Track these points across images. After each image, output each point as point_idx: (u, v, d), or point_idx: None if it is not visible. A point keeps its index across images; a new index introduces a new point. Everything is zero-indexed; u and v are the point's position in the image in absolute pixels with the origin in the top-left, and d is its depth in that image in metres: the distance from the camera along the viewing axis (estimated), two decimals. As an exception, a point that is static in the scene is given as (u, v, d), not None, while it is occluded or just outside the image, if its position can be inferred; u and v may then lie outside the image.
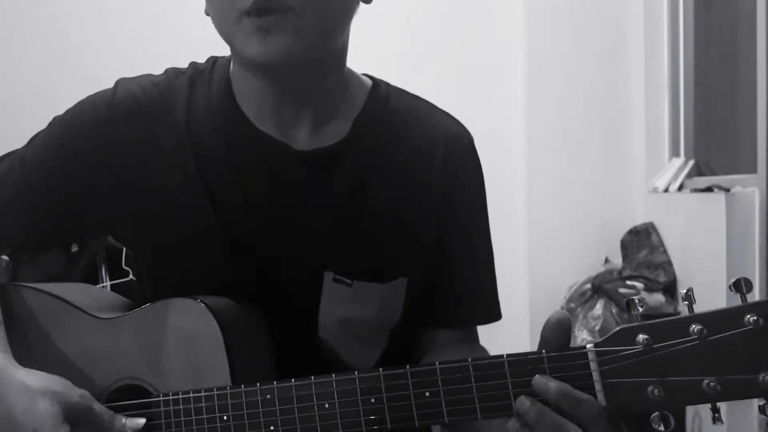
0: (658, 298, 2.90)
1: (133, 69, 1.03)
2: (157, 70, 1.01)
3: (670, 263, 3.01)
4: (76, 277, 1.64)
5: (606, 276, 3.02)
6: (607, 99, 3.32)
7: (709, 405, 0.73)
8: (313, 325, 0.97)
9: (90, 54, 3.22)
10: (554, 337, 0.77)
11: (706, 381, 0.71)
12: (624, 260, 3.16)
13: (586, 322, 2.88)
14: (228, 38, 0.87)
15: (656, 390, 0.72)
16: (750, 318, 0.70)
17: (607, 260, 3.23)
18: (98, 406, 0.85)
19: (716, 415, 0.72)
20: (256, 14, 0.82)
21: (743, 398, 0.70)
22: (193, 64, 1.00)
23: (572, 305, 3.02)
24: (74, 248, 1.65)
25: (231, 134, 0.95)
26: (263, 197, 0.94)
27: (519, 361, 0.77)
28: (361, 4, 0.92)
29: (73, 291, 1.01)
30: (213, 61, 1.00)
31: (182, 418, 0.86)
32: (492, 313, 1.04)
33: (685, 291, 0.74)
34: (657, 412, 0.73)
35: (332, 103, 0.95)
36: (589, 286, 3.01)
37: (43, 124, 1.00)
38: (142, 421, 0.86)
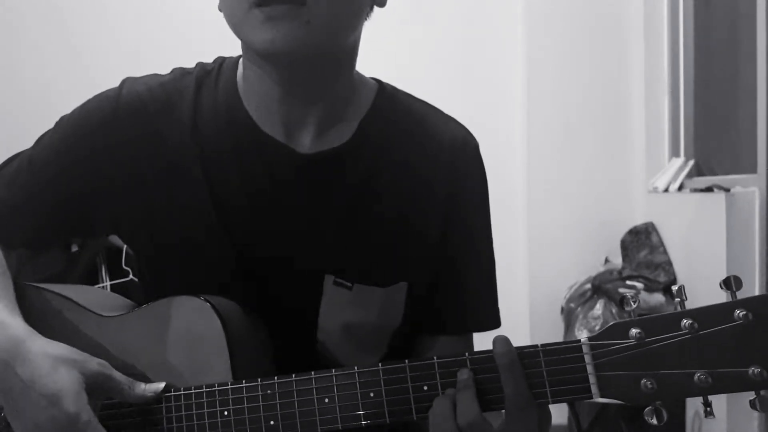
0: (658, 298, 2.90)
1: (135, 69, 1.03)
2: (160, 70, 1.01)
3: (670, 263, 3.01)
4: (76, 277, 1.64)
5: (606, 276, 3.02)
6: (607, 99, 3.32)
7: (701, 399, 0.74)
8: (312, 328, 0.98)
9: (92, 54, 3.23)
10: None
11: (698, 374, 0.72)
12: (624, 260, 3.16)
13: (586, 322, 2.88)
14: (237, 30, 0.87)
15: (649, 383, 0.74)
16: (739, 313, 0.72)
17: (607, 260, 3.23)
18: (117, 374, 0.86)
19: (708, 408, 0.73)
20: (264, 3, 0.81)
21: (734, 391, 0.72)
22: (200, 65, 1.00)
23: (572, 305, 3.01)
24: (74, 248, 1.65)
25: (236, 136, 0.95)
26: (265, 199, 0.95)
27: None
28: (375, 8, 0.92)
29: (76, 291, 1.01)
30: (220, 62, 1.00)
31: (183, 413, 0.87)
32: (491, 321, 1.03)
33: (676, 288, 0.75)
34: (650, 406, 0.74)
35: (340, 105, 0.95)
36: (589, 286, 3.01)
37: (45, 125, 1.01)
38: (162, 384, 0.87)
